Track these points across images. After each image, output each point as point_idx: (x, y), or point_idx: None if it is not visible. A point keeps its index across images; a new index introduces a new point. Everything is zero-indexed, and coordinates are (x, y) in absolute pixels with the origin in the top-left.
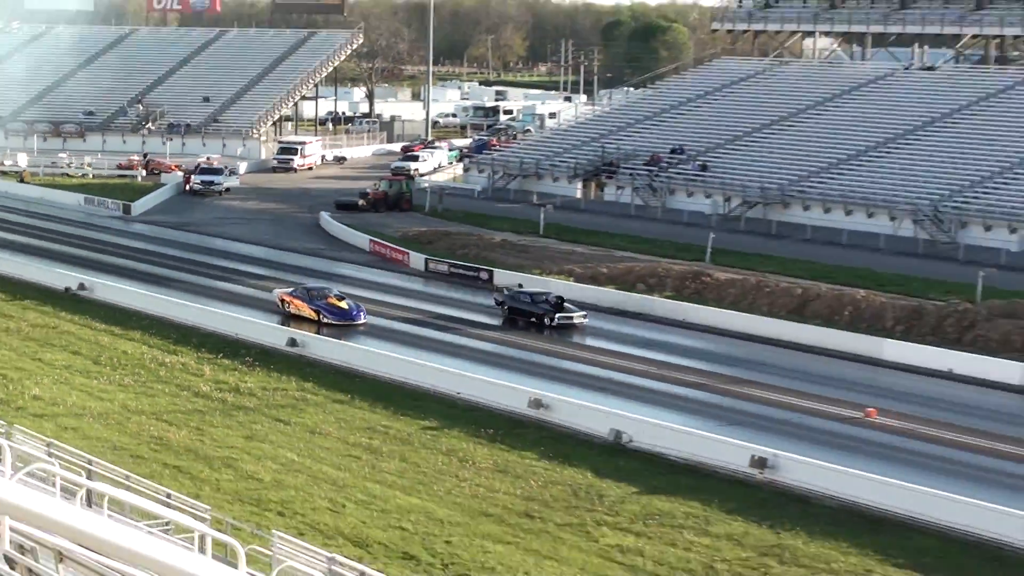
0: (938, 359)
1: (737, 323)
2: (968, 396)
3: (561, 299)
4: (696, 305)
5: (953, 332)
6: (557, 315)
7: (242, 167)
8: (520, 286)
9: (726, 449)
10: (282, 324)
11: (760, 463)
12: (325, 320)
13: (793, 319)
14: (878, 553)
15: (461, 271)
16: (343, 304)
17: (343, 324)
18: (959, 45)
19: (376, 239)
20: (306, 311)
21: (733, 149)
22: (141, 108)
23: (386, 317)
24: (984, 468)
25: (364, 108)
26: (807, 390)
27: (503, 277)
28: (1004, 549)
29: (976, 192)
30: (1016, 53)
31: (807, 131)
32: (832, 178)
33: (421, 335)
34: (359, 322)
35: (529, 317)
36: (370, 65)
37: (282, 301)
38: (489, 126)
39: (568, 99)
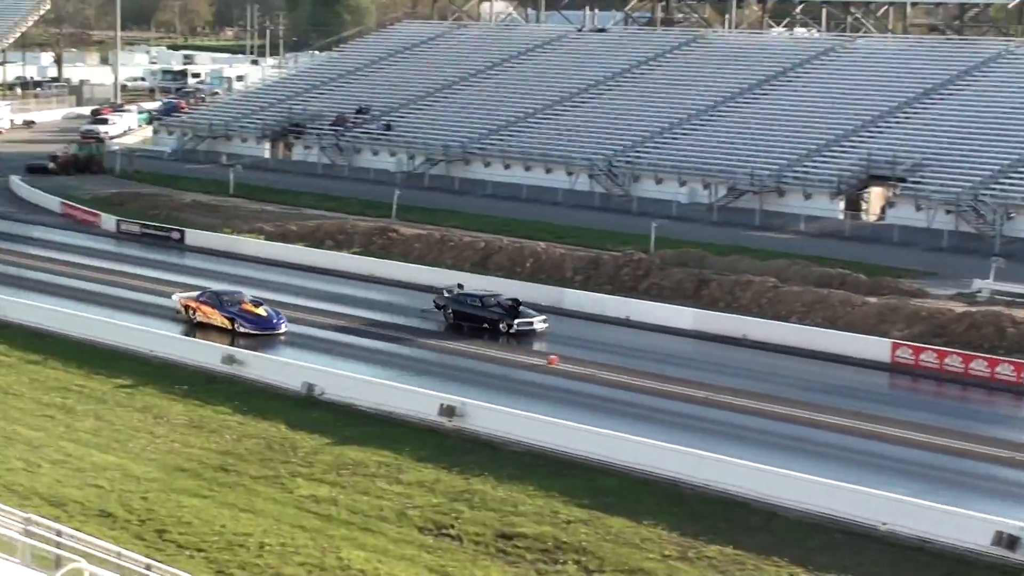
0: (616, 307)
1: (423, 277)
2: (645, 341)
3: (516, 302)
4: (382, 260)
5: (629, 281)
6: (515, 321)
7: None
8: (460, 286)
9: (416, 398)
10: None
11: (449, 411)
12: (241, 330)
13: (477, 271)
14: (563, 495)
15: (153, 231)
16: (261, 311)
17: (262, 334)
18: (628, 8)
19: (67, 202)
20: (218, 319)
21: (416, 109)
22: None
23: (78, 279)
24: (661, 410)
25: (53, 73)
26: (491, 339)
27: (195, 236)
28: (679, 485)
29: (647, 147)
30: (681, 15)
31: (486, 91)
32: (511, 135)
33: (114, 295)
34: (280, 331)
35: (480, 323)
36: (58, 30)
37: (187, 308)
38: (178, 89)
39: (255, 62)
